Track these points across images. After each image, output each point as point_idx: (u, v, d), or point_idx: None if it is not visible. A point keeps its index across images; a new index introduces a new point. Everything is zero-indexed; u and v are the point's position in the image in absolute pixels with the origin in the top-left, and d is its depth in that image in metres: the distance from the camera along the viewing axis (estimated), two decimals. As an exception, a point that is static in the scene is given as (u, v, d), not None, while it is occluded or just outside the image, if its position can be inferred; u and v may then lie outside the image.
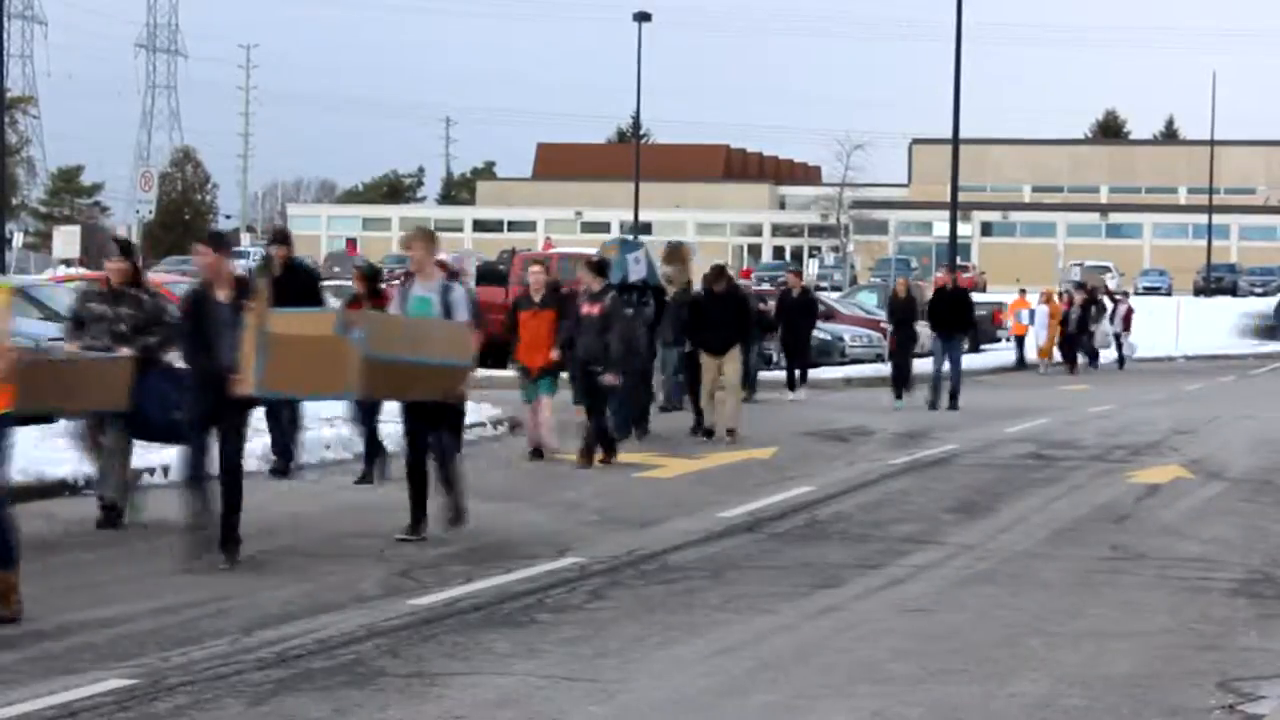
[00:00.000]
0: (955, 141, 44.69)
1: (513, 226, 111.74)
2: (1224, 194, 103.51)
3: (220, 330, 11.74)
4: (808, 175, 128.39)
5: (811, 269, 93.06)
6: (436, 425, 12.91)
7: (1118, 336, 44.32)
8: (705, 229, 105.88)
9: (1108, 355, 44.34)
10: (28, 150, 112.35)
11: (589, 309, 18.29)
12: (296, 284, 16.23)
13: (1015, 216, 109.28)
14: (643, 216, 72.87)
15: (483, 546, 12.80)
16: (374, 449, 16.41)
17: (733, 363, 21.49)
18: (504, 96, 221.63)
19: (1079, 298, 42.99)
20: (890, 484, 17.35)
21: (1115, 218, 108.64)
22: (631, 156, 74.46)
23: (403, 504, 13.01)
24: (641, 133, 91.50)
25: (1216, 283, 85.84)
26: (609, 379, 18.14)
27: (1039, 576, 11.88)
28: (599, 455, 18.21)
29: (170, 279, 26.96)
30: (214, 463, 11.81)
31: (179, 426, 12.28)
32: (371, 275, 16.87)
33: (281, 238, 17.48)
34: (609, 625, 9.97)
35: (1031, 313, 43.22)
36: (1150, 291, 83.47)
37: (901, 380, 28.36)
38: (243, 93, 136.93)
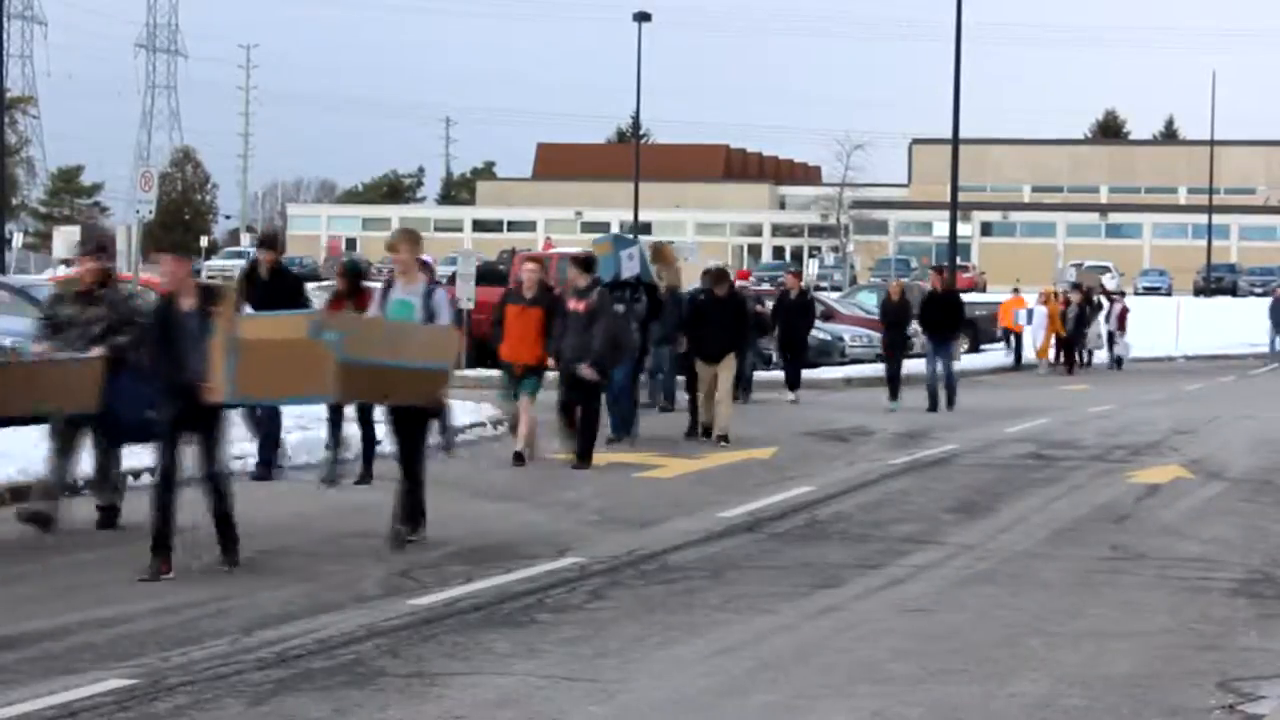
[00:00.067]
0: (955, 141, 44.68)
1: (513, 226, 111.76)
2: (1224, 194, 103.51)
3: (187, 340, 11.48)
4: (808, 175, 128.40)
5: (811, 269, 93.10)
6: (414, 428, 12.68)
7: (1111, 336, 44.23)
8: (705, 229, 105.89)
9: (1101, 355, 44.26)
10: (28, 150, 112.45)
11: (575, 306, 18.11)
12: (283, 288, 16.20)
13: (1015, 216, 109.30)
14: (643, 216, 72.89)
15: (483, 546, 12.80)
16: (371, 449, 16.36)
17: (727, 370, 21.30)
18: (504, 96, 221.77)
19: (1075, 298, 42.91)
20: (890, 484, 17.35)
21: (1115, 218, 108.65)
22: (631, 156, 74.46)
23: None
24: (641, 133, 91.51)
25: (1216, 283, 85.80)
26: (585, 370, 17.85)
27: (1039, 576, 11.88)
28: (572, 451, 17.91)
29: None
30: (188, 471, 11.60)
31: (151, 426, 11.99)
32: (354, 273, 16.60)
33: (269, 242, 17.36)
34: (609, 625, 9.97)
35: (1030, 312, 43.18)
36: (1150, 291, 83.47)
37: (896, 382, 28.11)
38: (243, 93, 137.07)
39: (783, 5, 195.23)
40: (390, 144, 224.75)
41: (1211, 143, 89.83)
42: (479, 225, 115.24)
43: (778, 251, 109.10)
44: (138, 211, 25.56)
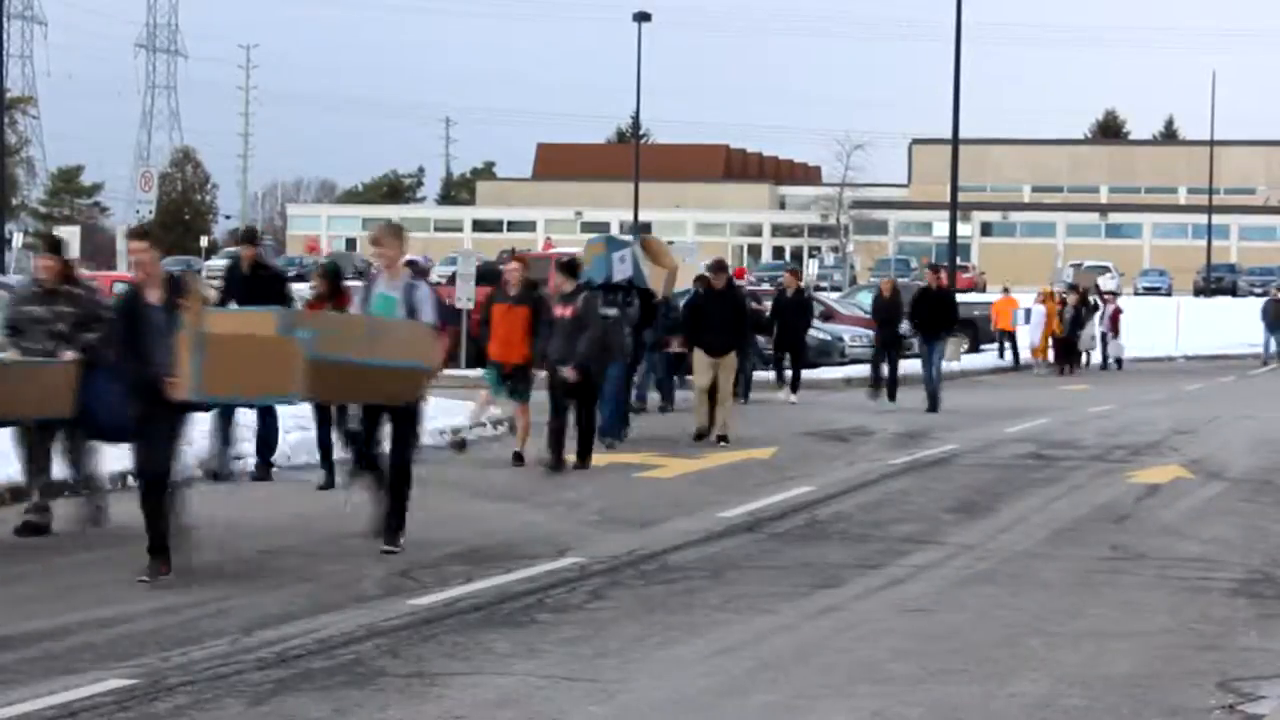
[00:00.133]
0: (955, 141, 44.69)
1: (512, 226, 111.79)
2: (1224, 194, 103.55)
3: (153, 334, 11.14)
4: (808, 175, 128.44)
5: (811, 269, 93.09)
6: (396, 428, 12.39)
7: (1104, 337, 44.15)
8: (705, 229, 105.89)
9: (1096, 356, 44.17)
10: (28, 150, 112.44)
11: (561, 311, 17.90)
12: (264, 284, 16.08)
13: (1015, 216, 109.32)
14: (643, 216, 72.92)
15: (483, 546, 12.80)
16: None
17: (728, 369, 21.17)
18: (504, 96, 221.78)
19: (1072, 298, 42.81)
20: (890, 484, 17.35)
21: (1115, 218, 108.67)
22: (631, 156, 74.49)
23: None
24: (641, 133, 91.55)
25: (1216, 283, 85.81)
26: (567, 372, 17.60)
27: (1039, 576, 11.88)
28: (569, 456, 17.66)
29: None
30: (184, 469, 11.45)
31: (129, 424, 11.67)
32: (333, 274, 16.39)
33: (249, 238, 17.30)
34: (609, 625, 9.97)
35: (1027, 312, 43.13)
36: (1150, 292, 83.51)
37: (878, 380, 27.95)
38: (243, 93, 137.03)
39: (783, 5, 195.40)
40: (390, 144, 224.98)
41: (1211, 143, 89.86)
42: (479, 225, 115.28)
43: (778, 251, 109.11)
44: (138, 211, 25.62)
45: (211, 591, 10.79)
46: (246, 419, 16.40)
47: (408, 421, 12.44)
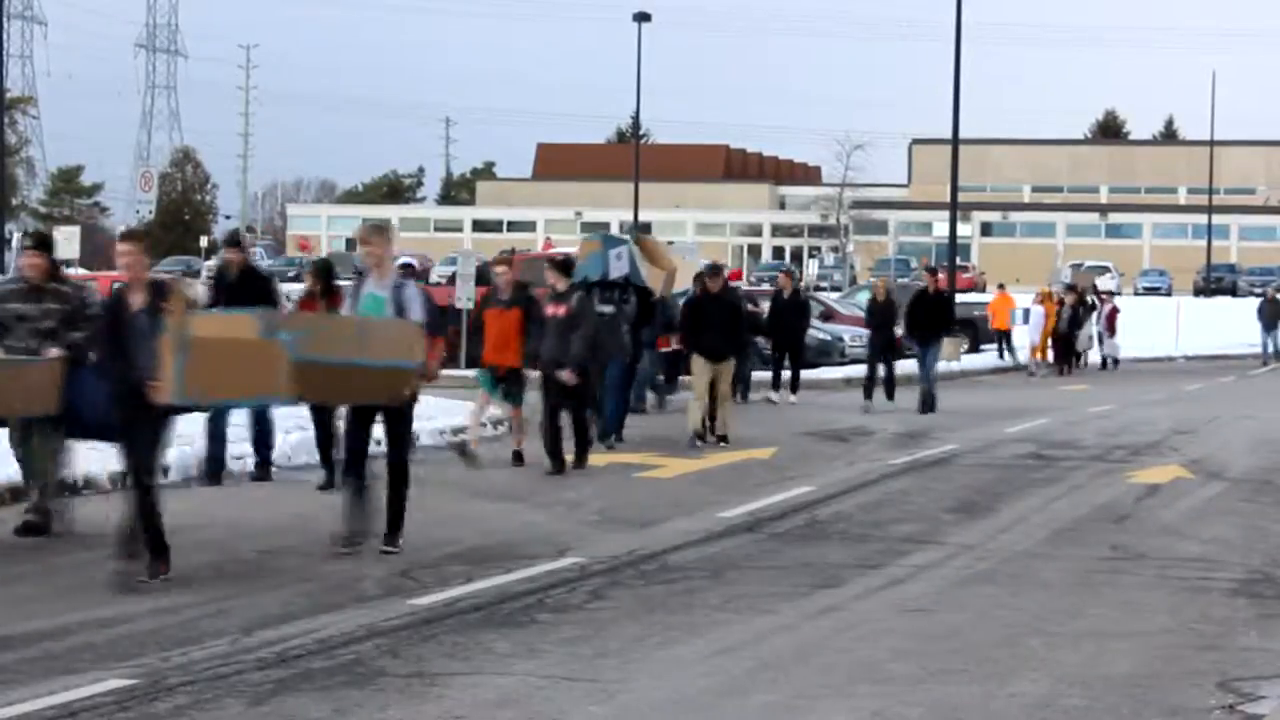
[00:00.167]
0: (955, 141, 44.68)
1: (512, 227, 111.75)
2: (1224, 194, 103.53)
3: (136, 337, 11.06)
4: (808, 175, 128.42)
5: (812, 269, 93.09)
6: (390, 428, 12.37)
7: (1099, 337, 44.11)
8: (705, 229, 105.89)
9: (1093, 356, 44.13)
10: (27, 150, 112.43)
11: (554, 310, 17.67)
12: (252, 288, 15.94)
13: (1015, 217, 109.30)
14: (643, 216, 72.90)
15: (483, 546, 12.80)
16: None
17: (727, 370, 20.97)
18: (504, 96, 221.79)
19: (1070, 299, 42.77)
20: (890, 484, 17.35)
21: (1115, 218, 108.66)
22: (631, 156, 74.48)
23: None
24: (641, 133, 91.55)
25: (1216, 283, 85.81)
26: (565, 375, 17.43)
27: (1039, 576, 11.88)
28: (548, 467, 17.34)
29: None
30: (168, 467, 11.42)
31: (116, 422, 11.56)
32: (326, 272, 16.34)
33: (235, 241, 17.16)
34: (609, 625, 9.97)
35: (1025, 312, 43.09)
36: (1150, 292, 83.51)
37: (871, 387, 27.60)
38: (243, 93, 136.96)
39: (783, 5, 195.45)
40: (390, 144, 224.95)
41: (1211, 143, 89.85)
42: (479, 225, 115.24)
43: (778, 252, 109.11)
44: (138, 211, 25.64)
45: (211, 591, 10.80)
46: (238, 419, 16.34)
47: (400, 421, 12.43)
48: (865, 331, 40.58)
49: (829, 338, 38.57)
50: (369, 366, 11.81)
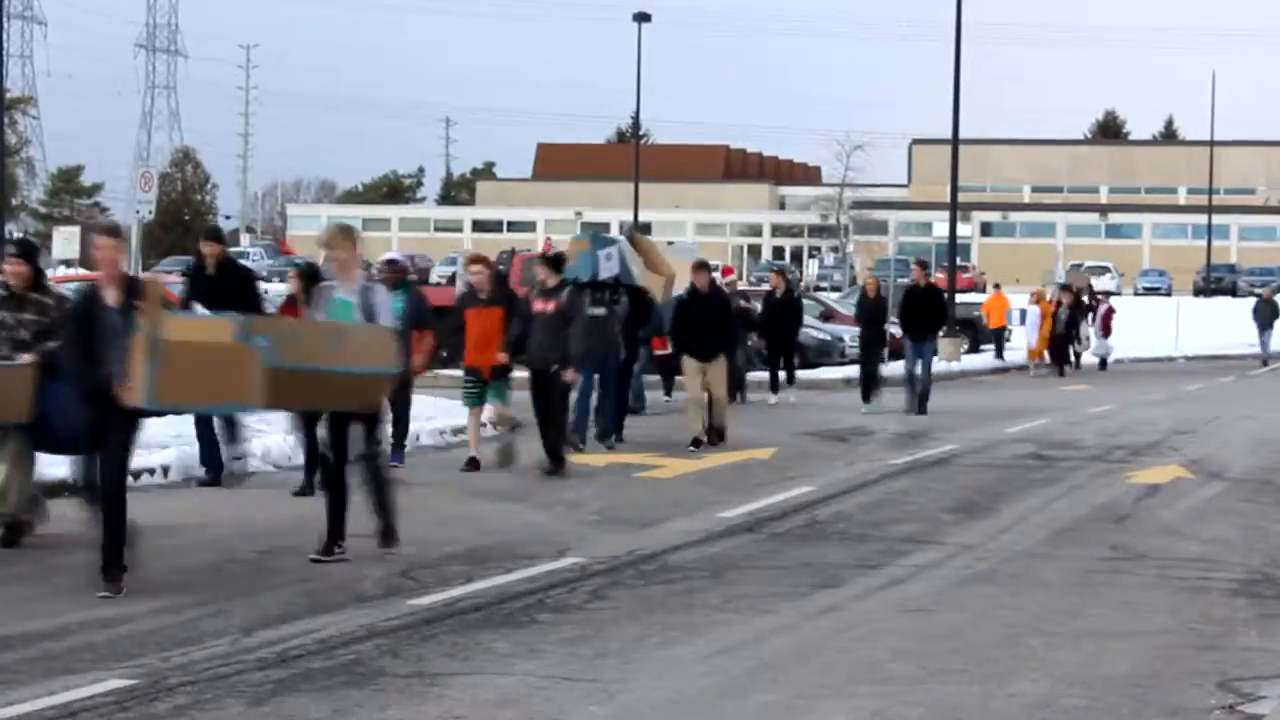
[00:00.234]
0: (955, 142, 44.68)
1: (512, 227, 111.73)
2: (1224, 194, 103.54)
3: (108, 336, 10.72)
4: (808, 175, 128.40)
5: (812, 269, 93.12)
6: (352, 434, 12.10)
7: (1093, 337, 44.04)
8: (705, 229, 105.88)
9: (1088, 356, 44.11)
10: (27, 150, 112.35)
11: (542, 306, 17.36)
12: (231, 284, 15.70)
13: (1015, 217, 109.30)
14: (643, 217, 72.91)
15: (483, 546, 12.80)
16: (314, 458, 15.83)
17: (718, 370, 20.76)
18: (504, 96, 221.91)
19: (1066, 299, 42.71)
20: (890, 484, 17.35)
21: (1115, 218, 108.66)
22: (631, 156, 74.49)
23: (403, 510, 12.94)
24: (641, 133, 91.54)
25: (1216, 283, 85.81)
26: (569, 376, 17.26)
27: (1039, 576, 11.88)
28: (547, 467, 17.12)
29: (173, 280, 26.84)
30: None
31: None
32: (310, 276, 15.92)
33: (213, 235, 16.74)
34: (609, 625, 9.97)
35: (1022, 312, 43.06)
36: (1150, 292, 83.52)
37: (869, 383, 27.26)
38: (243, 93, 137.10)
39: (783, 5, 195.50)
40: (390, 144, 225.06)
41: (1211, 143, 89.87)
42: (479, 225, 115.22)
43: (778, 252, 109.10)
44: (138, 212, 25.61)
45: (211, 591, 10.80)
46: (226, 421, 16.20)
47: (370, 427, 12.26)
48: (862, 330, 40.66)
49: (829, 338, 38.49)
50: (344, 373, 11.62)
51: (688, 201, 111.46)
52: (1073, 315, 42.34)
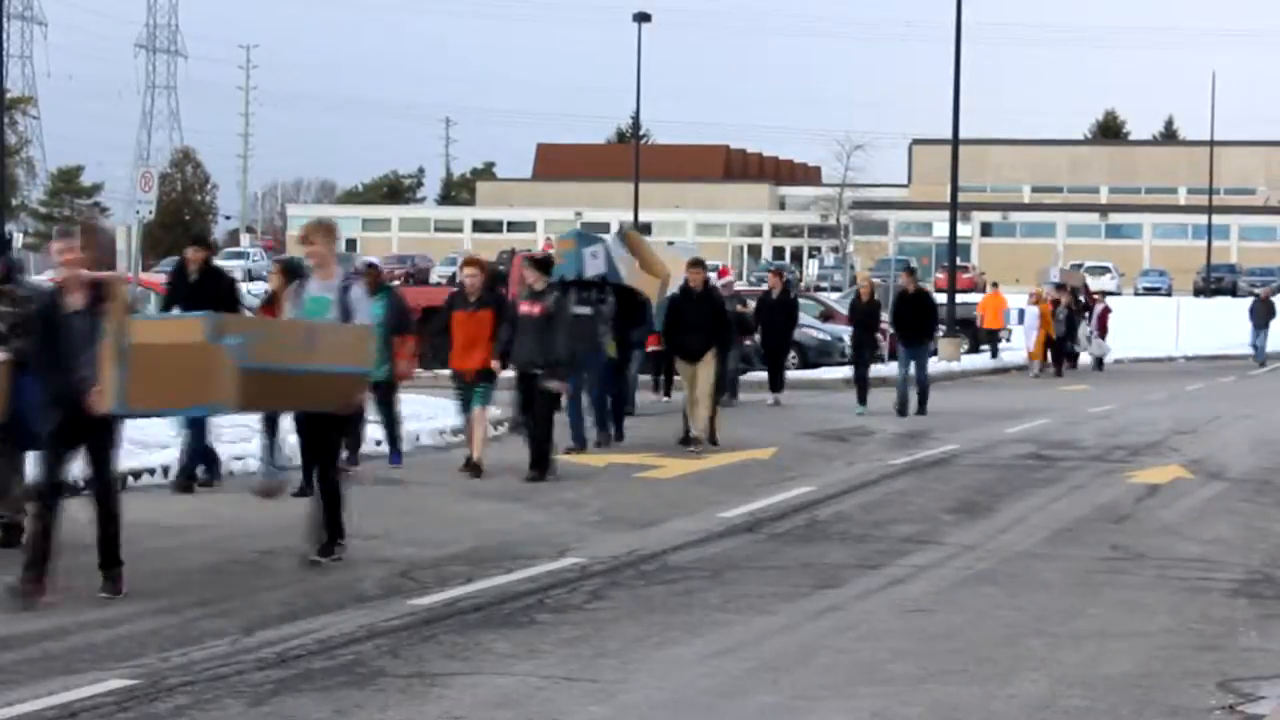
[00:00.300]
0: (955, 142, 44.69)
1: (512, 227, 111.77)
2: (1224, 194, 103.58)
3: (73, 341, 10.43)
4: (808, 175, 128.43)
5: (812, 269, 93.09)
6: (331, 436, 11.96)
7: (1089, 337, 44.02)
8: (705, 229, 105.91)
9: (1085, 356, 44.08)
10: (28, 151, 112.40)
11: (528, 309, 17.21)
12: (214, 290, 15.60)
13: (1015, 217, 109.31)
14: (643, 217, 72.87)
15: (483, 546, 12.79)
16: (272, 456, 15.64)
17: (706, 370, 20.41)
18: (504, 96, 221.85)
19: (1064, 299, 42.66)
20: (890, 484, 17.35)
21: (1115, 218, 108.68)
22: (631, 157, 74.49)
23: (397, 509, 12.95)
24: (641, 133, 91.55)
25: (1216, 283, 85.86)
26: (553, 385, 17.10)
27: (1039, 576, 11.88)
28: (529, 474, 16.83)
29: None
30: (80, 480, 10.80)
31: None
32: (293, 272, 15.44)
33: (200, 240, 16.76)
34: (609, 625, 9.97)
35: (1020, 312, 43.05)
36: (1150, 292, 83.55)
37: (861, 384, 26.98)
38: (243, 93, 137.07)
39: (783, 5, 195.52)
40: (390, 144, 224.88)
41: (1211, 143, 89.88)
42: (479, 225, 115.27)
43: (778, 252, 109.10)
44: (138, 212, 25.56)
45: (211, 591, 10.79)
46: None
47: (339, 429, 12.11)
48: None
49: (829, 338, 38.47)
50: (318, 372, 11.42)
51: (688, 201, 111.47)
52: (1071, 315, 42.33)
